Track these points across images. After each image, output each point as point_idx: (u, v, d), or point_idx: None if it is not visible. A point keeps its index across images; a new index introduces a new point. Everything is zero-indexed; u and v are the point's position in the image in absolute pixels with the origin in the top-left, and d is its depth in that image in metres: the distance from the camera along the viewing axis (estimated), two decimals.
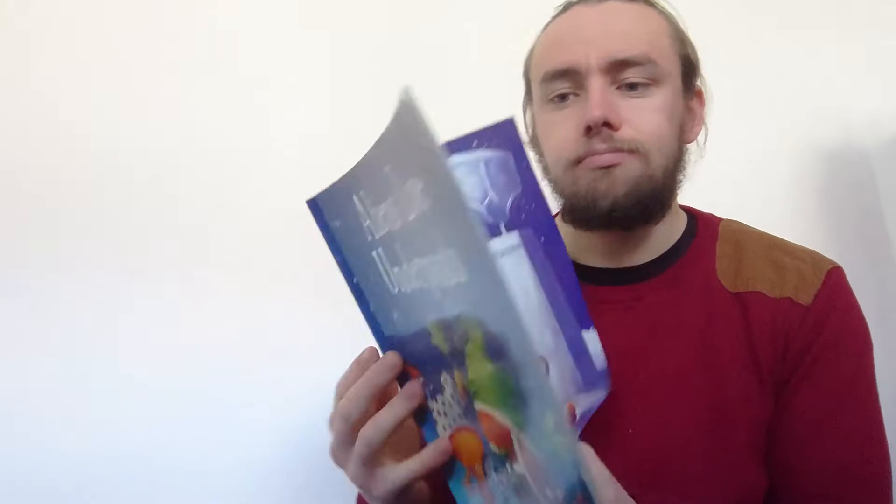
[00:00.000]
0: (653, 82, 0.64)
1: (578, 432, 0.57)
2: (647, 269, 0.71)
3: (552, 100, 0.67)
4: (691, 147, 0.72)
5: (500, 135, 0.58)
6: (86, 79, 1.10)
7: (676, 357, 0.67)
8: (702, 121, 0.73)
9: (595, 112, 0.62)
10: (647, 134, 0.64)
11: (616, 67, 0.63)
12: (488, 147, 0.57)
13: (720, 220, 0.75)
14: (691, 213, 0.76)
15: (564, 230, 0.67)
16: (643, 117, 0.64)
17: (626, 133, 0.63)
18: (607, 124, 0.63)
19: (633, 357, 0.66)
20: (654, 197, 0.66)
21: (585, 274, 0.71)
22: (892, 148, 1.41)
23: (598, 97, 0.62)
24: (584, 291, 0.62)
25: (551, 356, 0.56)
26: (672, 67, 0.66)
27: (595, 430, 0.58)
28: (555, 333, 0.56)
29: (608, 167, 0.64)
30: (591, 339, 0.61)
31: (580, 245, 0.72)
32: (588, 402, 0.59)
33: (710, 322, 0.67)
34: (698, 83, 0.72)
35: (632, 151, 0.64)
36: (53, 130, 1.08)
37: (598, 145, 0.63)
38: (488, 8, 1.26)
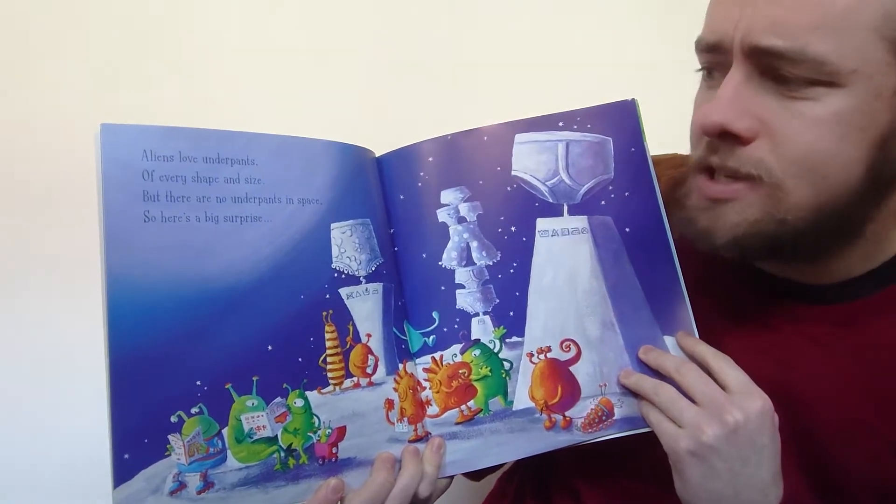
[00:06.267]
0: (825, 83, 0.44)
1: (616, 435, 0.55)
2: (858, 285, 0.53)
3: (702, 71, 0.52)
4: None
5: (608, 117, 0.57)
6: None
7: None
8: None
9: (711, 116, 0.46)
10: (790, 158, 0.46)
11: (763, 55, 0.45)
12: (581, 129, 0.56)
13: None
14: None
15: None
16: (794, 131, 0.45)
17: (756, 151, 0.46)
18: (728, 134, 0.47)
19: (818, 404, 0.53)
20: (796, 242, 0.48)
21: (768, 284, 0.57)
22: None
23: (725, 94, 0.46)
24: (770, 310, 0.55)
25: (591, 346, 0.55)
26: (868, 60, 0.43)
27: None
28: (605, 325, 0.56)
29: (715, 200, 0.49)
30: None
31: None
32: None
33: None
34: None
35: (753, 180, 0.47)
36: None
37: (713, 158, 0.49)
38: None
